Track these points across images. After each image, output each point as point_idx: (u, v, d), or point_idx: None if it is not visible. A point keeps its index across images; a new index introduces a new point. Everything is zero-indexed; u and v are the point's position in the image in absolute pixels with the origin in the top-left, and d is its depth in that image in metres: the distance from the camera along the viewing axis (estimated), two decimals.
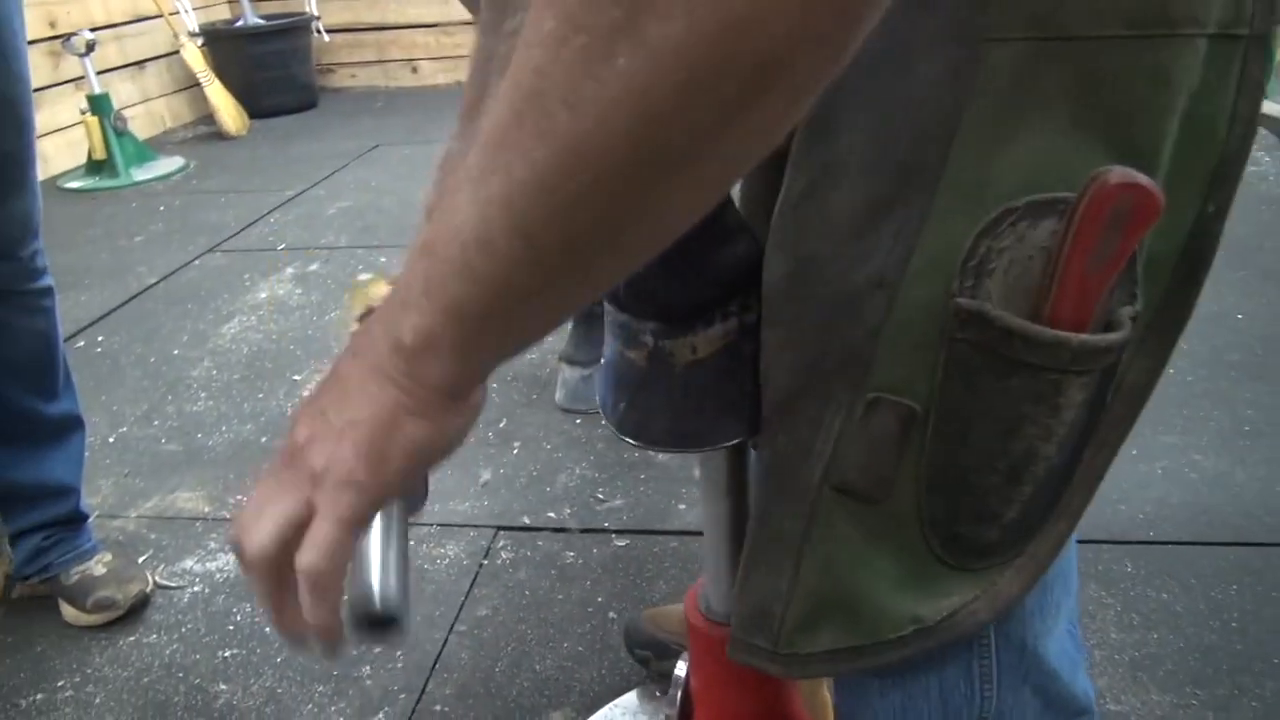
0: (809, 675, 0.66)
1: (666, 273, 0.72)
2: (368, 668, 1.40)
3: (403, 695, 1.34)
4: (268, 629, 1.48)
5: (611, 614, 1.46)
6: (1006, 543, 0.58)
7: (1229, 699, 1.23)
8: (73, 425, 1.53)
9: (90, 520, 1.58)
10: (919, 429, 0.54)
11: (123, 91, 4.48)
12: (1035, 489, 0.54)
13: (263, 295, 2.75)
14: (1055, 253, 0.50)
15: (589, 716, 1.27)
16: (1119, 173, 0.47)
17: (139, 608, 1.53)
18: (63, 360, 1.50)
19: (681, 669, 0.95)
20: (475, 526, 1.69)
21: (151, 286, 2.86)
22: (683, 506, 1.69)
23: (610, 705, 1.27)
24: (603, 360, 0.77)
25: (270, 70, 4.83)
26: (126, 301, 2.76)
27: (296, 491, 0.44)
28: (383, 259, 2.94)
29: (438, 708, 1.32)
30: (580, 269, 0.38)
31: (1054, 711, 0.69)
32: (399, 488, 0.45)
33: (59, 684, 1.41)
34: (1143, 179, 0.47)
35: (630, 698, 1.29)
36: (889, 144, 0.52)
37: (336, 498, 0.43)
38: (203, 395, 2.21)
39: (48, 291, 1.45)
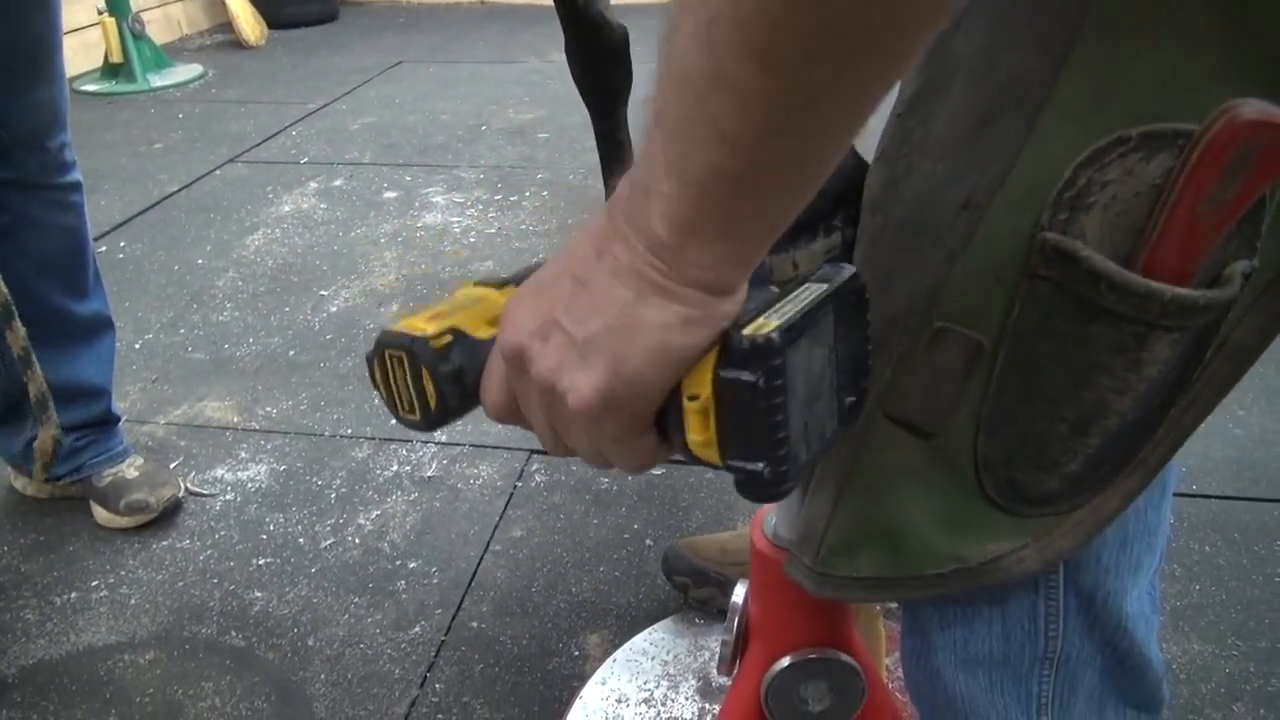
0: (842, 598, 0.65)
1: None
2: (402, 582, 1.39)
3: (439, 611, 1.34)
4: (301, 540, 1.48)
5: (648, 541, 1.45)
6: (1066, 493, 0.54)
7: (1270, 652, 1.22)
8: (103, 325, 1.51)
9: (121, 423, 1.57)
10: (984, 365, 0.50)
11: None
12: (1103, 442, 0.51)
13: (286, 208, 2.70)
14: (1166, 193, 0.44)
15: (626, 640, 1.26)
16: (1255, 107, 0.41)
17: (171, 512, 1.53)
18: (92, 259, 1.47)
19: (739, 594, 0.94)
20: (508, 449, 1.67)
21: (173, 194, 2.81)
22: None
23: (649, 630, 1.27)
24: None
25: None
26: (148, 208, 2.71)
27: (538, 412, 0.43)
28: (408, 177, 2.88)
29: (474, 624, 1.32)
30: (819, 90, 0.34)
31: (1125, 671, 0.67)
32: (659, 401, 0.41)
33: (93, 584, 1.41)
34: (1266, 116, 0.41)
35: (668, 623, 1.28)
36: (1000, 52, 0.48)
37: (594, 431, 0.41)
38: (228, 306, 2.18)
39: (76, 186, 1.41)
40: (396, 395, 0.48)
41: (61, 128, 1.33)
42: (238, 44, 4.48)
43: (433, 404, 0.47)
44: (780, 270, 0.69)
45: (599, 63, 1.80)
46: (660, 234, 0.37)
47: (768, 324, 0.40)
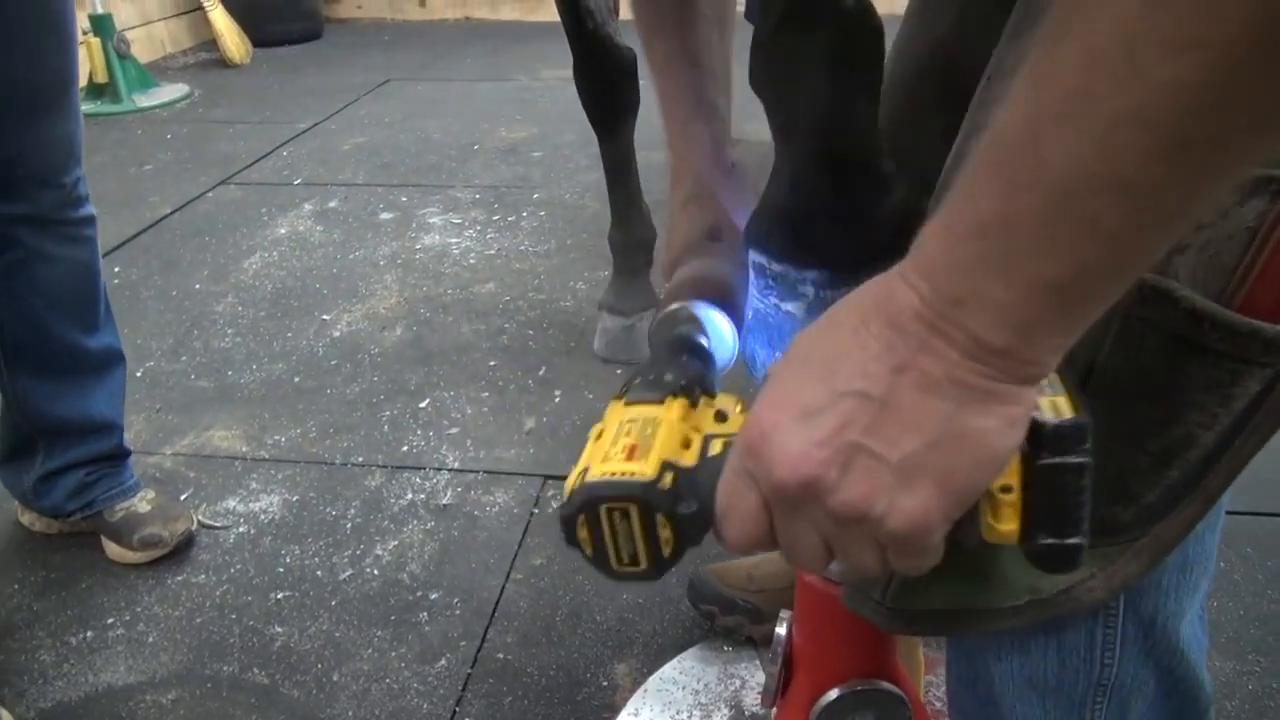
0: (914, 633, 0.66)
1: (833, 222, 0.69)
2: (425, 614, 1.38)
3: (463, 643, 1.33)
4: (319, 573, 1.47)
5: None
6: (1135, 524, 0.56)
7: None
8: (114, 359, 1.49)
9: (131, 457, 1.55)
10: None
11: (122, 13, 4.31)
12: (1181, 474, 0.52)
13: (282, 231, 2.68)
14: (1262, 235, 0.46)
15: (655, 669, 1.26)
16: None
17: (184, 546, 1.51)
18: (104, 292, 1.45)
19: (783, 625, 0.94)
20: (523, 475, 1.67)
21: (166, 217, 2.79)
22: None
23: (677, 659, 1.27)
24: (750, 314, 0.75)
25: None
26: (141, 232, 2.68)
27: (814, 536, 0.41)
28: (404, 198, 2.87)
29: (500, 655, 1.31)
30: (1221, 173, 0.34)
31: (1178, 694, 0.68)
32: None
33: (108, 621, 1.39)
34: None
35: (696, 651, 1.28)
36: None
37: (917, 546, 0.40)
38: (229, 331, 2.16)
39: (90, 220, 1.39)
40: (615, 549, 0.45)
41: (77, 163, 1.31)
42: (222, 63, 4.45)
43: (668, 550, 0.45)
44: None
45: (608, 85, 1.81)
46: (991, 341, 0.36)
47: (1057, 401, 0.40)
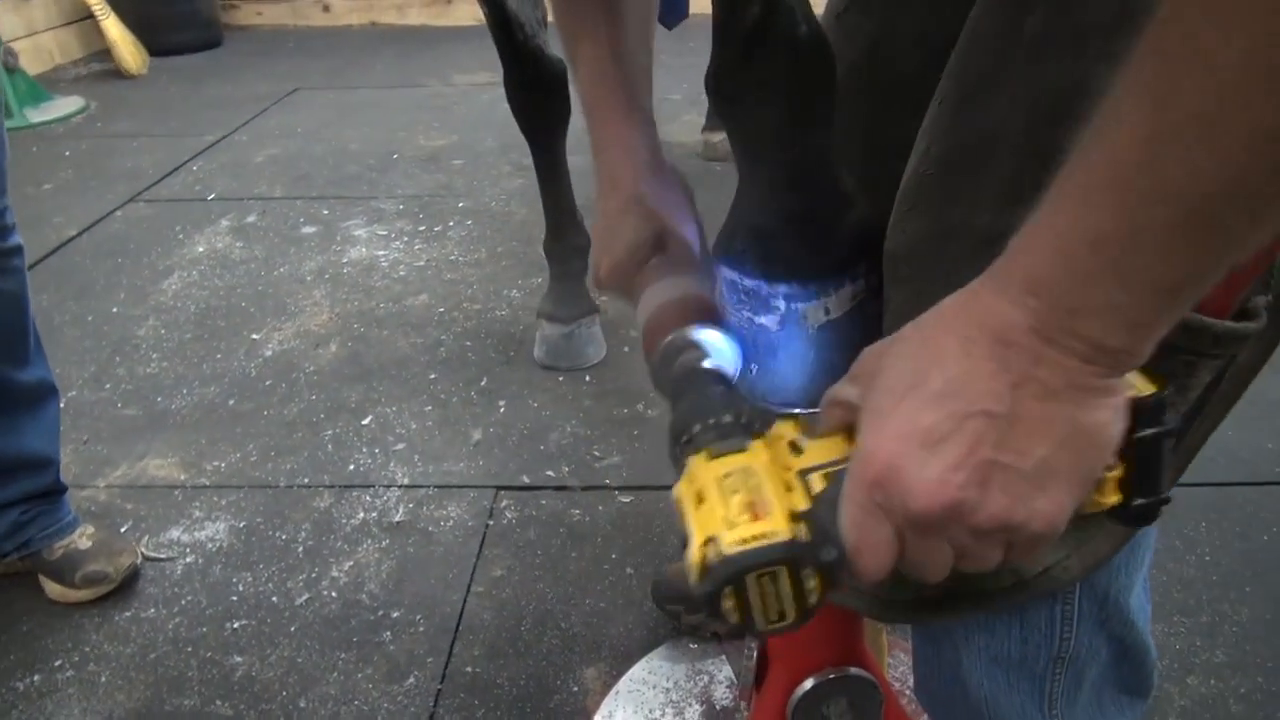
0: (907, 621, 0.71)
1: (804, 238, 0.73)
2: (388, 633, 1.38)
3: (430, 659, 1.33)
4: (275, 598, 1.44)
5: (629, 569, 1.48)
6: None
7: (1212, 625, 1.34)
8: (46, 392, 1.44)
9: (68, 493, 1.50)
10: None
11: (6, 24, 4.11)
12: None
13: (200, 249, 2.61)
14: None
15: (623, 671, 1.29)
16: None
17: (130, 581, 1.47)
18: (32, 324, 1.40)
19: None
20: (474, 487, 1.67)
21: (73, 239, 2.68)
22: None
23: (645, 659, 1.30)
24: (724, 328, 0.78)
25: (170, 4, 4.52)
26: (48, 255, 2.57)
27: (980, 549, 0.43)
28: (325, 211, 2.82)
29: (468, 669, 1.32)
30: None
31: (1127, 661, 0.74)
32: None
33: (56, 664, 1.34)
34: None
35: (663, 651, 1.31)
36: (1047, 122, 0.54)
37: (1048, 540, 0.43)
38: (154, 356, 2.10)
39: (17, 250, 1.35)
40: (764, 610, 0.44)
41: (1, 192, 1.26)
42: (118, 73, 4.28)
43: (814, 599, 0.45)
44: (813, 316, 0.74)
45: (540, 96, 1.82)
46: (1109, 344, 0.39)
47: (1131, 378, 0.44)
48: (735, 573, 0.43)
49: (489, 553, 1.52)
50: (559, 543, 1.54)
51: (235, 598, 1.45)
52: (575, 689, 1.28)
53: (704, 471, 0.48)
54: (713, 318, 0.68)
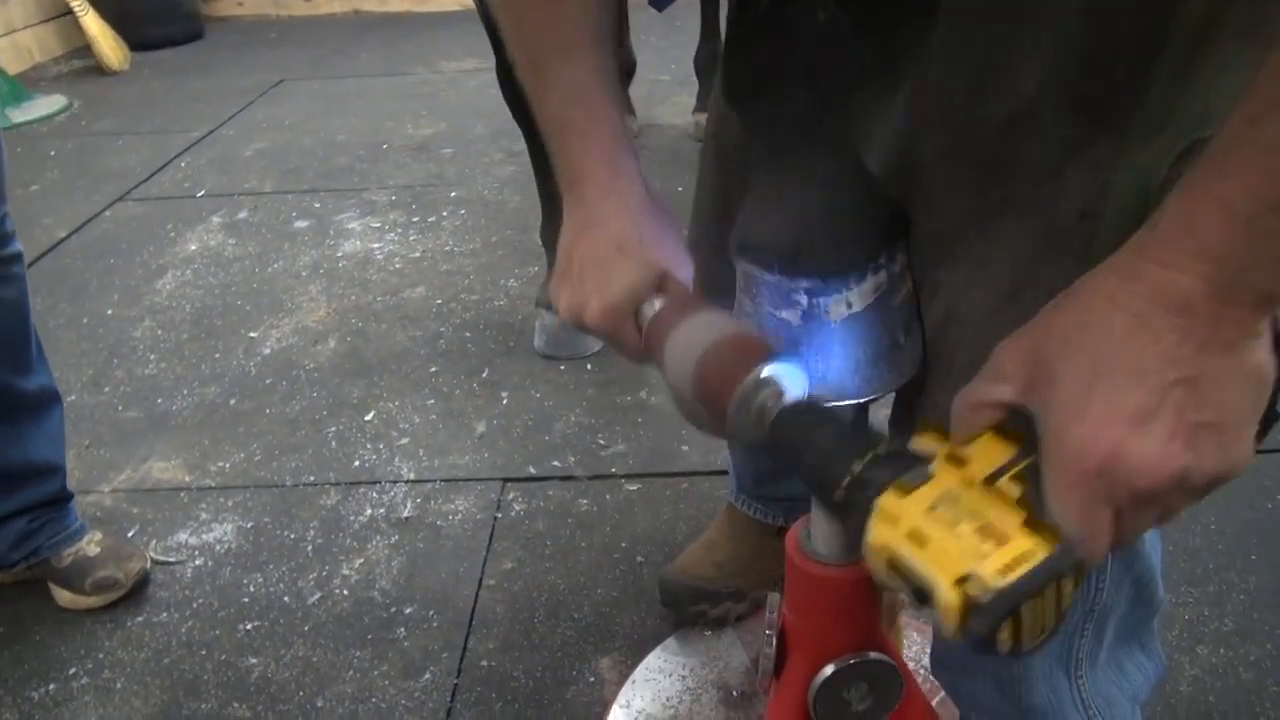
0: None
1: (827, 232, 0.73)
2: (402, 629, 1.38)
3: (445, 654, 1.34)
4: (286, 598, 1.44)
5: (639, 558, 1.48)
6: None
7: (1220, 594, 1.35)
8: (50, 399, 1.43)
9: (74, 500, 1.49)
10: None
11: None
12: None
13: (192, 247, 2.59)
14: None
15: (638, 660, 1.29)
16: None
17: (140, 586, 1.46)
18: (34, 330, 1.39)
19: (772, 608, 0.98)
20: (480, 480, 1.67)
21: (63, 240, 2.66)
22: (686, 448, 1.71)
23: (659, 648, 1.30)
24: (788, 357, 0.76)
25: None
26: (39, 257, 2.55)
27: (1185, 504, 0.46)
28: (317, 204, 2.80)
29: (484, 663, 1.32)
30: None
31: (1143, 605, 0.77)
32: None
33: (70, 672, 1.34)
34: None
35: (677, 638, 1.32)
36: (1083, 81, 0.57)
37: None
38: (152, 357, 2.09)
39: (17, 258, 1.33)
40: (1032, 630, 0.44)
41: (1, 199, 1.25)
42: (99, 70, 4.23)
43: (1069, 601, 0.45)
44: (835, 310, 0.74)
45: None
46: (1277, 290, 0.42)
47: None
48: (1014, 603, 0.42)
49: (499, 545, 1.53)
50: (568, 533, 1.54)
51: (247, 599, 1.45)
52: (591, 679, 1.29)
53: (905, 509, 0.46)
54: (770, 351, 0.63)
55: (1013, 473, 0.47)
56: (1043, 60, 0.58)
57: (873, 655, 0.89)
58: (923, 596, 0.45)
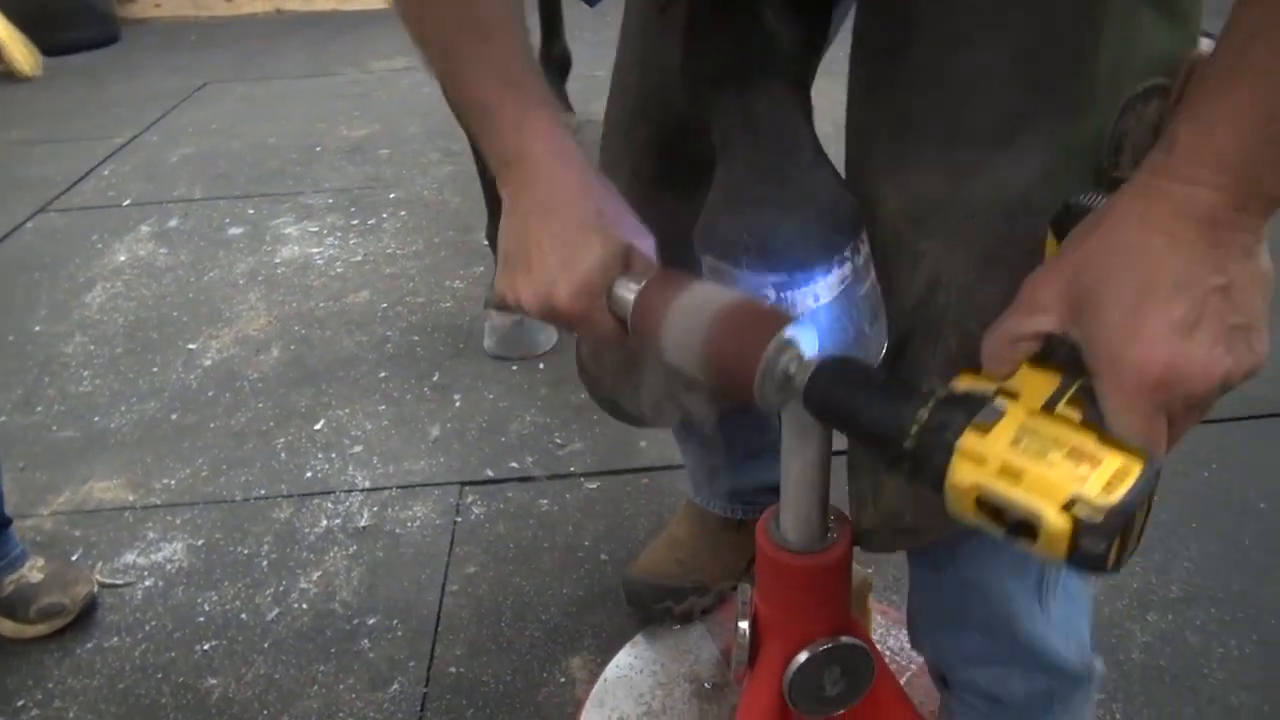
0: (946, 539, 0.77)
1: (794, 226, 0.73)
2: (366, 640, 1.36)
3: (412, 663, 1.32)
4: (244, 615, 1.41)
5: (603, 556, 1.48)
6: None
7: (1165, 563, 1.41)
8: None
9: (13, 525, 1.43)
10: None
11: None
12: None
13: (122, 258, 2.50)
14: (1161, 127, 0.60)
15: (608, 659, 1.29)
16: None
17: (88, 611, 1.41)
18: None
19: (744, 599, 0.99)
20: (437, 485, 1.65)
21: None
22: (643, 444, 1.72)
23: (629, 645, 1.30)
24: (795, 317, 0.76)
25: None
26: None
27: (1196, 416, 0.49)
28: (250, 210, 2.73)
29: (452, 670, 1.31)
30: None
31: None
32: None
33: (19, 704, 1.29)
34: None
35: (646, 635, 1.32)
36: (1031, 55, 0.62)
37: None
38: (86, 374, 2.01)
39: None
40: (1130, 542, 0.46)
41: None
42: (10, 75, 4.05)
43: (1149, 514, 0.48)
44: (803, 303, 0.75)
45: None
46: (1277, 193, 0.46)
47: None
48: (1126, 518, 0.43)
49: (460, 550, 1.51)
50: (530, 534, 1.53)
51: (202, 618, 1.41)
52: (562, 680, 1.28)
53: (988, 447, 0.47)
54: (784, 315, 0.63)
55: (1066, 398, 0.49)
56: (996, 32, 0.62)
57: (845, 639, 0.90)
58: (1020, 530, 0.46)
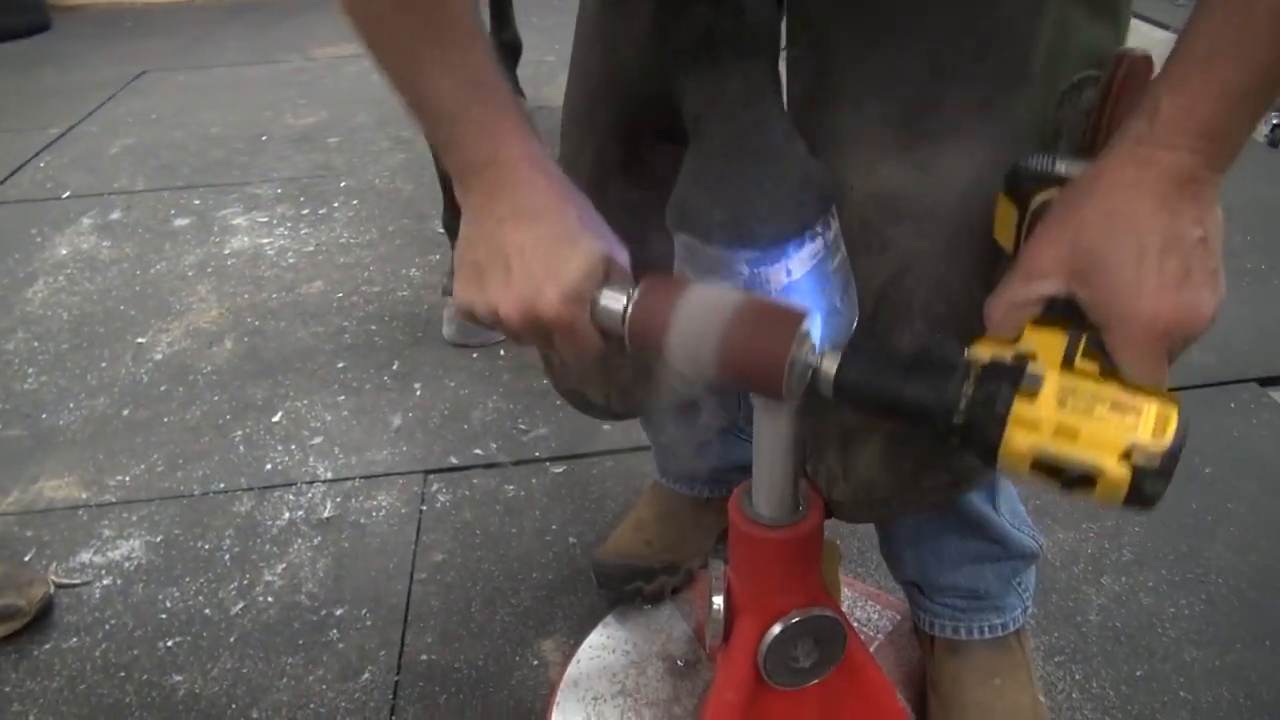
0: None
1: (765, 202, 0.74)
2: (334, 631, 1.35)
3: (382, 652, 1.31)
4: (208, 611, 1.39)
5: (571, 539, 1.48)
6: None
7: (1117, 528, 1.45)
8: None
9: None
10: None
11: None
12: None
13: (63, 252, 2.43)
14: (1096, 113, 0.65)
15: (580, 640, 1.30)
16: (1141, 51, 0.63)
17: (44, 613, 1.38)
18: None
19: (717, 577, 1.00)
20: (401, 474, 1.64)
21: None
22: (607, 427, 1.72)
23: (601, 625, 1.31)
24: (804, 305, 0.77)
25: None
26: None
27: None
28: (196, 200, 2.67)
29: (424, 657, 1.30)
30: None
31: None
32: None
33: None
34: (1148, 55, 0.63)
35: (617, 615, 1.32)
36: (986, 45, 0.67)
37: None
38: (30, 371, 1.96)
39: None
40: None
41: None
42: None
43: None
44: (776, 279, 0.76)
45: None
46: (1236, 152, 0.51)
47: None
48: (1179, 456, 0.48)
49: (427, 538, 1.50)
50: (497, 520, 1.53)
51: (164, 615, 1.38)
52: (535, 662, 1.29)
53: (1039, 412, 0.51)
54: (799, 310, 0.64)
55: (1081, 351, 0.54)
56: (952, 13, 0.66)
57: (816, 611, 0.92)
58: (1078, 482, 0.50)
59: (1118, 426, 0.49)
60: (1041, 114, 0.67)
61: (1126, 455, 0.49)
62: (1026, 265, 0.57)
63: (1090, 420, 0.50)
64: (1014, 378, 0.53)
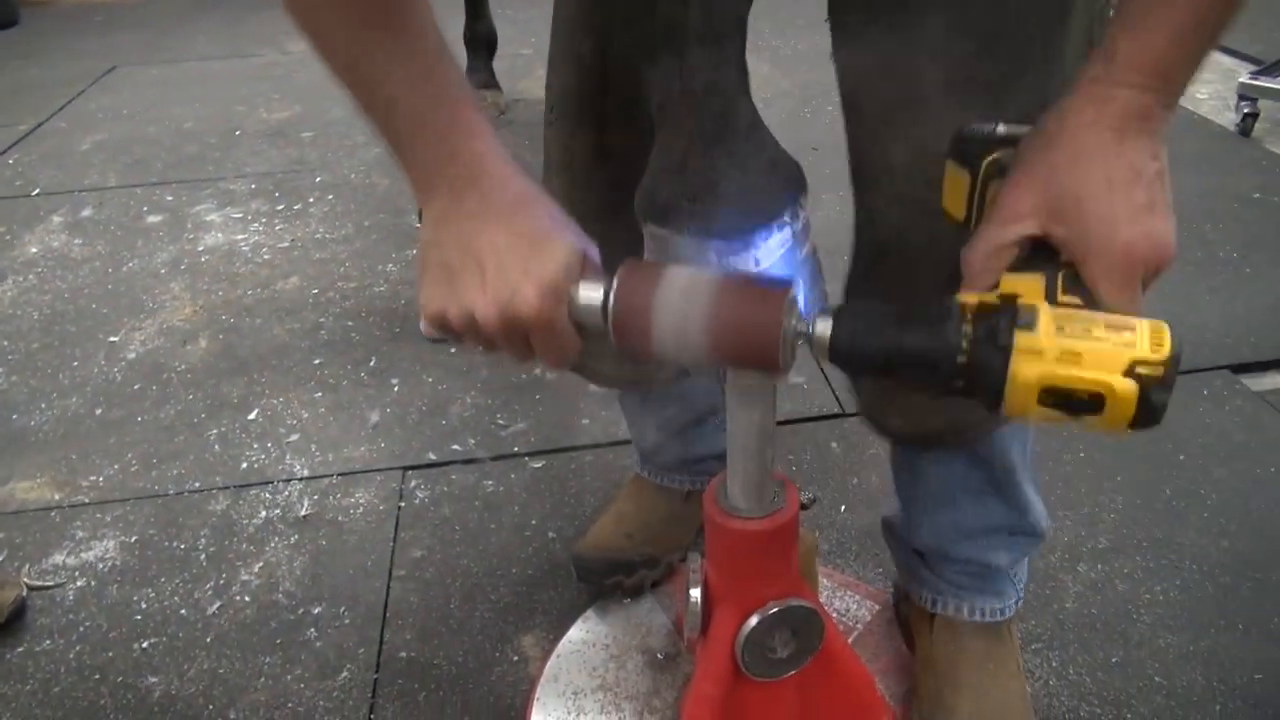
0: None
1: (733, 192, 0.74)
2: (312, 630, 1.34)
3: (361, 650, 1.30)
4: (183, 611, 1.37)
5: (551, 534, 1.48)
6: None
7: (1093, 515, 1.46)
8: None
9: None
10: None
11: None
12: None
13: (33, 250, 2.40)
14: None
15: (560, 635, 1.30)
16: None
17: (16, 616, 1.36)
18: None
19: (695, 569, 1.00)
20: (379, 470, 1.63)
21: None
22: (586, 421, 1.72)
23: (580, 620, 1.31)
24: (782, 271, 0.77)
25: None
26: None
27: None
28: (169, 197, 2.64)
29: (403, 654, 1.29)
30: None
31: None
32: None
33: None
34: None
35: (596, 609, 1.32)
36: (1015, 25, 0.70)
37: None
38: (0, 371, 1.93)
39: None
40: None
41: None
42: None
43: None
44: (745, 268, 0.76)
45: None
46: (1182, 90, 0.55)
47: None
48: (1179, 364, 0.50)
49: (405, 535, 1.49)
50: (476, 516, 1.52)
51: (139, 616, 1.37)
52: (515, 658, 1.28)
53: (1040, 342, 0.52)
54: (783, 280, 0.63)
55: (1060, 289, 0.56)
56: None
57: (793, 601, 0.92)
58: (1084, 407, 0.51)
59: (1117, 344, 0.50)
60: (1085, 38, 0.71)
61: (1130, 370, 0.50)
62: (1003, 212, 0.58)
63: (1090, 342, 0.51)
64: (1009, 315, 0.53)
